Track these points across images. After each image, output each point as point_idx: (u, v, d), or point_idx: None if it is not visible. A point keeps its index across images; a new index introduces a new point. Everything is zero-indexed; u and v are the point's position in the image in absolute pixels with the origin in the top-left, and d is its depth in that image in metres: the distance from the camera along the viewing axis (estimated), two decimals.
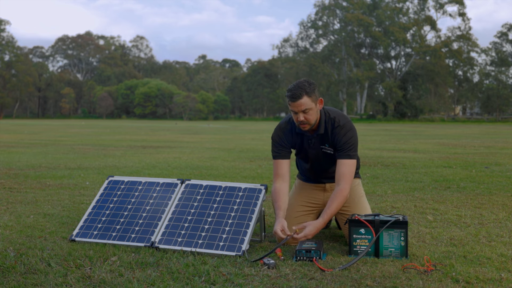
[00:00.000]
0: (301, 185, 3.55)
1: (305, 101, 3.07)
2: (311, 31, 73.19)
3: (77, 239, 3.28)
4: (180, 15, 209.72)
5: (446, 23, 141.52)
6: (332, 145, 3.25)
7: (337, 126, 3.19)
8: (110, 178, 3.73)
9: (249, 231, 3.11)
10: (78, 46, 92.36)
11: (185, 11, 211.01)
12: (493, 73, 67.89)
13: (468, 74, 70.37)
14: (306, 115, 3.10)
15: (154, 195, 3.50)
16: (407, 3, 68.59)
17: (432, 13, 69.62)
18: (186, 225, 3.22)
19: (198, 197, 3.42)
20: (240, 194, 3.38)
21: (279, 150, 3.31)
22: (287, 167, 3.31)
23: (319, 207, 3.48)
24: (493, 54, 67.83)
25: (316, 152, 3.30)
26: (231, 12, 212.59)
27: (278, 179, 3.29)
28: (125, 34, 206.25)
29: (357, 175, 3.50)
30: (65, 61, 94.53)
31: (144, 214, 3.37)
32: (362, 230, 3.02)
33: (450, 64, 68.46)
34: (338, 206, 3.16)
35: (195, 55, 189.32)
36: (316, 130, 3.24)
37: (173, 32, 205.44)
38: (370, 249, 3.00)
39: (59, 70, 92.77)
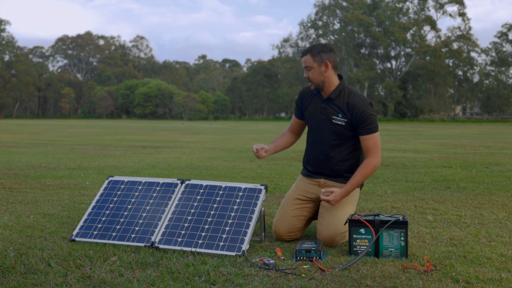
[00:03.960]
0: (300, 179, 3.59)
1: (307, 59, 3.29)
2: (311, 31, 73.25)
3: (77, 239, 3.28)
4: (178, 14, 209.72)
5: (446, 23, 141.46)
6: (348, 118, 3.29)
7: (353, 100, 3.28)
8: (110, 178, 3.73)
9: (249, 231, 3.11)
10: (78, 46, 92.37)
11: (183, 10, 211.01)
12: (493, 73, 67.89)
13: (468, 74, 70.39)
14: (309, 73, 3.30)
15: (154, 195, 3.50)
16: (407, 3, 68.60)
17: (432, 13, 69.70)
18: (186, 225, 3.22)
19: (198, 197, 3.42)
20: (240, 194, 3.38)
21: (297, 108, 3.58)
22: (298, 124, 3.59)
23: (313, 201, 3.49)
24: (493, 54, 67.84)
25: (325, 118, 3.36)
26: (229, 12, 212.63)
27: (288, 130, 3.66)
28: (123, 33, 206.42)
29: None
30: (65, 61, 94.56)
31: (144, 214, 3.37)
32: (362, 230, 3.02)
33: (450, 64, 68.48)
34: (362, 177, 3.27)
35: (193, 54, 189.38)
36: (330, 94, 3.34)
37: (171, 31, 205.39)
38: (370, 249, 3.00)
39: (59, 70, 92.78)
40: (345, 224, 3.73)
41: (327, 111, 3.35)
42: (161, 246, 3.10)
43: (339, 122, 3.31)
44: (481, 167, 8.09)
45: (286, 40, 78.64)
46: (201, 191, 3.46)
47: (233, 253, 2.96)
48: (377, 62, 70.36)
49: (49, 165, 8.11)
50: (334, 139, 3.36)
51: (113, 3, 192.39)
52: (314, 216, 3.59)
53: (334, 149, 3.38)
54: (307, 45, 67.25)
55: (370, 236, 3.00)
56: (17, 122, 49.43)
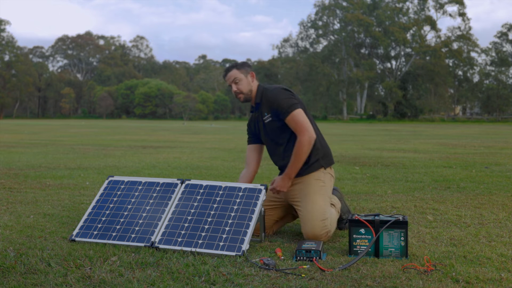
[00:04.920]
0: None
1: (233, 73, 3.50)
2: (311, 31, 73.19)
3: (77, 239, 3.28)
4: (177, 14, 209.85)
5: (446, 23, 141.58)
6: (271, 112, 3.46)
7: (267, 94, 3.47)
8: (110, 178, 3.73)
9: (249, 231, 3.11)
10: (78, 46, 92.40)
11: (182, 10, 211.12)
12: (493, 73, 67.86)
13: (468, 74, 70.34)
14: (238, 85, 3.49)
15: (154, 195, 3.50)
16: (407, 3, 68.57)
17: (432, 13, 69.65)
18: (186, 225, 3.22)
19: (198, 197, 3.42)
20: (240, 194, 3.38)
21: (248, 136, 3.73)
22: (251, 152, 3.70)
23: (282, 202, 3.58)
24: (493, 54, 67.81)
25: (262, 124, 3.55)
26: (228, 12, 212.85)
27: (245, 166, 3.75)
28: (122, 33, 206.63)
29: (318, 164, 3.46)
30: (65, 61, 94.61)
31: (144, 214, 3.37)
32: (362, 230, 3.02)
33: (450, 64, 68.43)
34: (296, 157, 3.35)
35: (193, 54, 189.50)
36: (256, 100, 3.54)
37: (171, 31, 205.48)
38: (370, 249, 3.00)
39: (59, 70, 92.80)
40: (345, 224, 3.73)
41: (259, 116, 3.55)
42: (161, 246, 3.10)
43: (268, 120, 3.49)
44: (481, 167, 8.09)
45: (286, 40, 78.66)
46: (201, 191, 3.46)
47: (233, 253, 2.96)
48: (377, 62, 70.32)
49: (49, 165, 8.11)
50: (277, 137, 3.50)
51: (112, 3, 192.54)
52: (288, 216, 3.66)
53: (283, 145, 3.51)
54: (307, 45, 66.81)
55: (370, 236, 3.00)
56: (17, 122, 49.42)
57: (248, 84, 3.52)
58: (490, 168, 7.86)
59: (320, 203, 3.32)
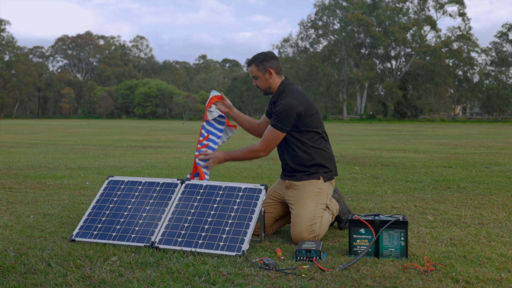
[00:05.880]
0: (277, 181, 3.74)
1: (252, 69, 3.59)
2: (311, 31, 73.18)
3: (77, 239, 3.28)
4: (177, 14, 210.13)
5: (446, 23, 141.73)
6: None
7: (281, 99, 3.50)
8: (110, 178, 3.73)
9: (249, 231, 3.11)
10: (78, 46, 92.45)
11: (182, 10, 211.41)
12: (493, 73, 67.82)
13: (468, 74, 70.29)
14: (256, 81, 3.60)
15: (154, 195, 3.50)
16: (407, 3, 68.55)
17: (432, 13, 69.61)
18: (186, 225, 3.22)
19: (198, 197, 3.42)
20: (240, 194, 3.38)
21: (269, 110, 3.77)
22: (263, 122, 3.79)
23: (281, 201, 3.62)
24: (493, 54, 67.77)
25: None
26: (228, 12, 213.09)
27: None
28: (121, 33, 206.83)
29: (318, 176, 3.49)
30: (65, 61, 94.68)
31: (144, 214, 3.37)
32: (362, 230, 3.02)
33: (450, 64, 68.40)
34: (242, 153, 3.60)
35: (193, 54, 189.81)
36: (273, 97, 3.61)
37: (170, 31, 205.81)
38: (370, 249, 3.00)
39: (59, 70, 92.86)
40: (345, 224, 3.73)
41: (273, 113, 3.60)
42: (161, 246, 3.10)
43: None
44: (481, 167, 8.09)
45: (286, 40, 78.58)
46: (201, 191, 3.46)
47: (233, 253, 2.96)
48: (377, 62, 70.30)
49: (49, 165, 8.11)
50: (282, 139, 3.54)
51: (111, 3, 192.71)
52: (288, 215, 3.66)
53: (286, 146, 3.55)
54: (307, 45, 66.95)
55: (370, 236, 3.00)
56: (17, 122, 49.41)
57: (266, 81, 3.57)
58: (490, 168, 7.86)
59: (311, 208, 3.34)
